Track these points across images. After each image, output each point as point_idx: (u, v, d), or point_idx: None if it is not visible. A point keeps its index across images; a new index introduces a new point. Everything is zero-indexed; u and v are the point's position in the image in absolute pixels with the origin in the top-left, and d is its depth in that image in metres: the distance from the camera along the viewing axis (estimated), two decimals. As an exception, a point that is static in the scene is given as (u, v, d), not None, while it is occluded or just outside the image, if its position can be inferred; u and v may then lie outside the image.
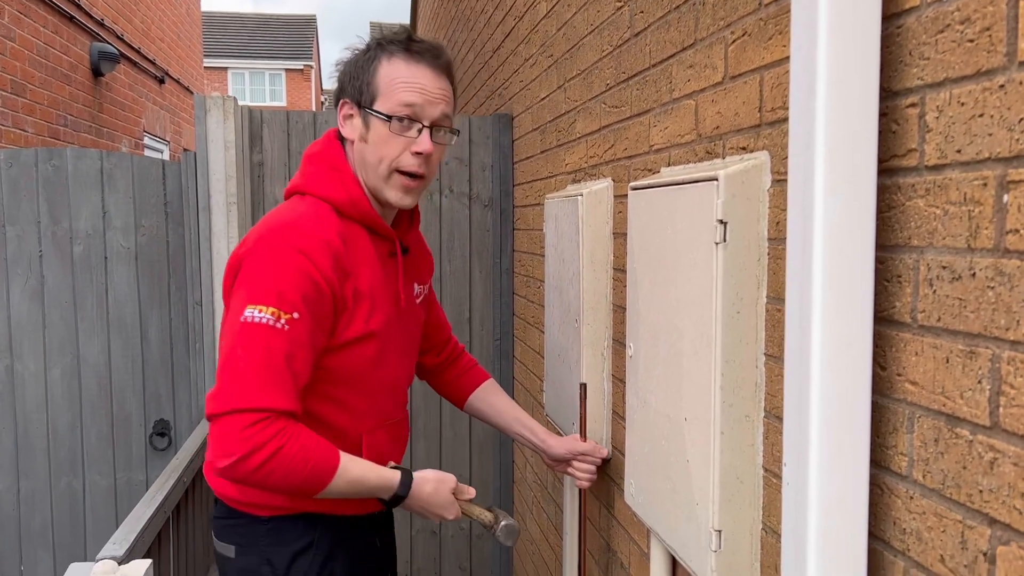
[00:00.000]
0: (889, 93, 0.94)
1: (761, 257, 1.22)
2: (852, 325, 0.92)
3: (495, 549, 3.60)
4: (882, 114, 0.94)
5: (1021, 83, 0.75)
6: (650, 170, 1.68)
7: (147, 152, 8.29)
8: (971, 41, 0.82)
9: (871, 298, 0.93)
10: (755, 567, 1.25)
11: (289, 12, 31.52)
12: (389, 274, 1.68)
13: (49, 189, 3.26)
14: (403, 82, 1.57)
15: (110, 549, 1.78)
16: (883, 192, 0.95)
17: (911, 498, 0.91)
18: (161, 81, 8.74)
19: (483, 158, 3.45)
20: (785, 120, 1.15)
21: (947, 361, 0.85)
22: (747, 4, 1.26)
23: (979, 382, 0.81)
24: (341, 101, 1.64)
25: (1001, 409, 0.78)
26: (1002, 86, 0.78)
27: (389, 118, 1.57)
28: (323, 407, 1.59)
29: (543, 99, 2.69)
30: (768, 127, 1.20)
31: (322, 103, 30.21)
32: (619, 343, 1.89)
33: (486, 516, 1.76)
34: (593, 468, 1.94)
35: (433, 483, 1.63)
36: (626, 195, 1.78)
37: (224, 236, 3.13)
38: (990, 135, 0.79)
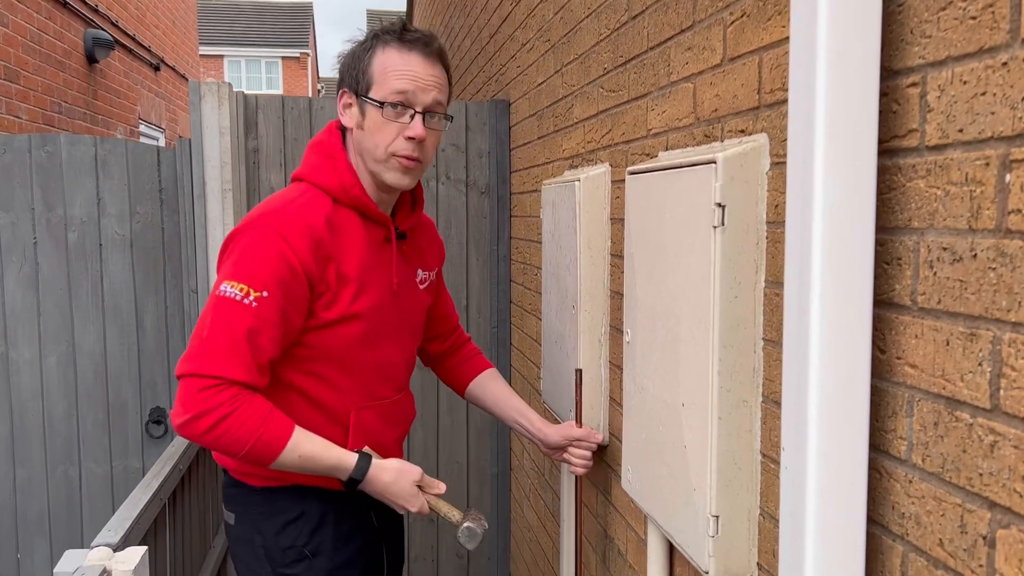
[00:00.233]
0: (890, 72, 0.93)
1: (759, 241, 1.21)
2: (851, 308, 0.91)
3: (493, 538, 3.60)
4: (883, 94, 0.93)
5: (1025, 60, 0.74)
6: (648, 155, 1.67)
7: (143, 139, 8.26)
8: (973, 18, 0.80)
9: (871, 281, 0.92)
10: (753, 552, 1.24)
11: (285, 0, 31.49)
12: (383, 259, 1.72)
13: (43, 176, 3.24)
14: (395, 70, 1.64)
15: (105, 536, 1.77)
16: (883, 173, 0.94)
17: (910, 482, 0.90)
18: (156, 68, 8.69)
19: (480, 145, 3.43)
20: (784, 102, 1.13)
21: (947, 344, 0.84)
22: (746, -15, 1.24)
23: (980, 364, 0.80)
24: (340, 91, 1.71)
25: (1002, 392, 0.77)
26: (1005, 64, 0.76)
27: (382, 104, 1.63)
28: (308, 382, 1.67)
29: (540, 84, 2.67)
30: (767, 109, 1.19)
31: (319, 91, 30.08)
32: (616, 330, 1.88)
33: (454, 515, 1.76)
34: (588, 454, 1.94)
35: (393, 473, 1.65)
36: (624, 180, 1.77)
37: (219, 223, 3.11)
38: (992, 114, 0.78)
